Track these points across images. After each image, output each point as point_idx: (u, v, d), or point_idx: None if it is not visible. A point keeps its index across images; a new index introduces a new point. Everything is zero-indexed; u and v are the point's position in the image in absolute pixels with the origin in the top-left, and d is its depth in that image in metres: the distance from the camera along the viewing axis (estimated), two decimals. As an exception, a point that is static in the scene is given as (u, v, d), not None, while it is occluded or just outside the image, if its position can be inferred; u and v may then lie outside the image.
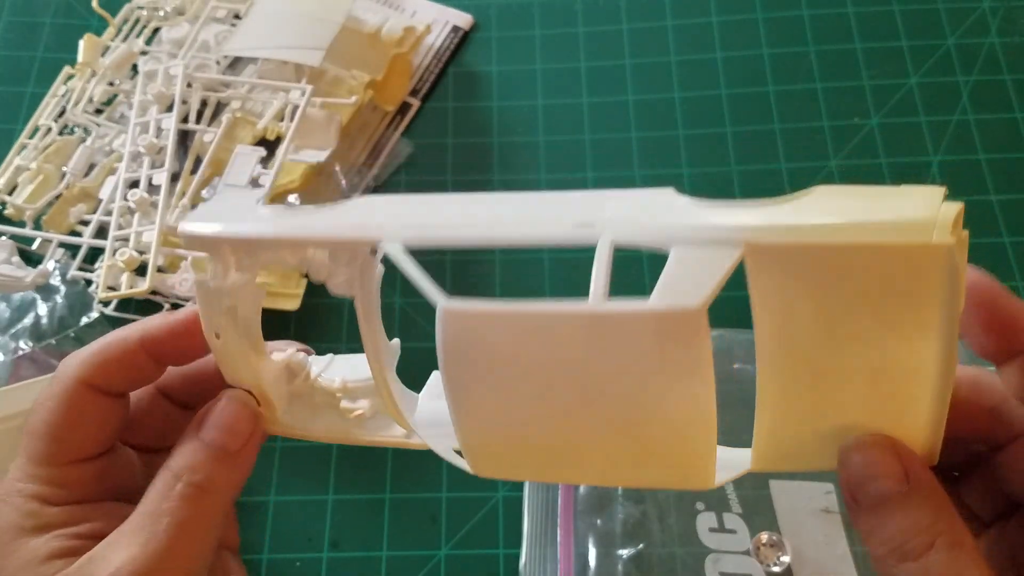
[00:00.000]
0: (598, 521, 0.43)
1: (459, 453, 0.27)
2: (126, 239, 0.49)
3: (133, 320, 0.51)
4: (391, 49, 0.58)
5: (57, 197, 0.54)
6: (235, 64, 0.58)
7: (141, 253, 0.48)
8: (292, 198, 0.53)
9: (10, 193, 0.55)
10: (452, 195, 0.25)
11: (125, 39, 0.60)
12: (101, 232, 0.52)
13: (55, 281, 0.52)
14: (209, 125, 0.54)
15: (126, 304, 0.51)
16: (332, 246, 0.25)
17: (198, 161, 0.52)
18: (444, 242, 0.23)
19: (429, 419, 0.29)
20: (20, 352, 0.50)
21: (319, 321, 0.51)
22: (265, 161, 0.51)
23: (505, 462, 0.27)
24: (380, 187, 0.56)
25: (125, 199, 0.50)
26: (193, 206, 0.51)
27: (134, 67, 0.59)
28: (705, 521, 0.43)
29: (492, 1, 0.63)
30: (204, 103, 0.55)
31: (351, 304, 0.27)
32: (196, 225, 0.25)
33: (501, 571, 0.44)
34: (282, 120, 0.53)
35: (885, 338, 0.22)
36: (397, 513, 0.46)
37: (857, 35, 0.59)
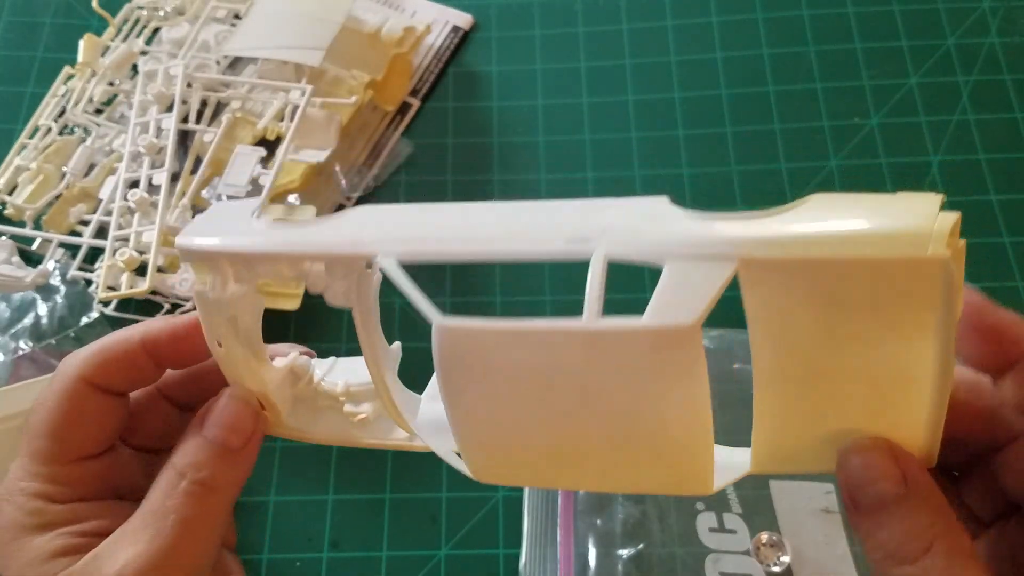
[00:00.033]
0: (598, 521, 0.43)
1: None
2: (126, 239, 0.49)
3: (133, 320, 0.51)
4: (391, 49, 0.58)
5: (57, 197, 0.54)
6: (235, 64, 0.58)
7: (141, 253, 0.48)
8: (292, 198, 0.53)
9: (10, 193, 0.55)
10: (447, 204, 0.25)
11: (125, 39, 0.60)
12: (101, 232, 0.52)
13: (55, 281, 0.52)
14: (209, 125, 0.54)
15: (126, 304, 0.52)
16: (327, 260, 0.25)
17: (198, 161, 0.52)
18: (438, 257, 0.23)
19: (431, 421, 0.29)
20: (20, 352, 0.50)
21: (319, 321, 0.51)
22: (265, 161, 0.51)
23: (504, 470, 0.28)
24: (380, 187, 0.56)
25: (125, 199, 0.50)
26: (193, 206, 0.51)
27: (134, 67, 0.59)
28: (705, 521, 0.43)
29: (492, 1, 0.63)
30: (204, 103, 0.55)
31: (351, 304, 0.27)
32: (193, 239, 0.26)
33: (501, 571, 0.44)
34: (282, 120, 0.53)
35: (881, 347, 0.22)
36: (397, 513, 0.46)
37: (857, 35, 0.59)
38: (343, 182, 0.55)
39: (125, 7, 0.61)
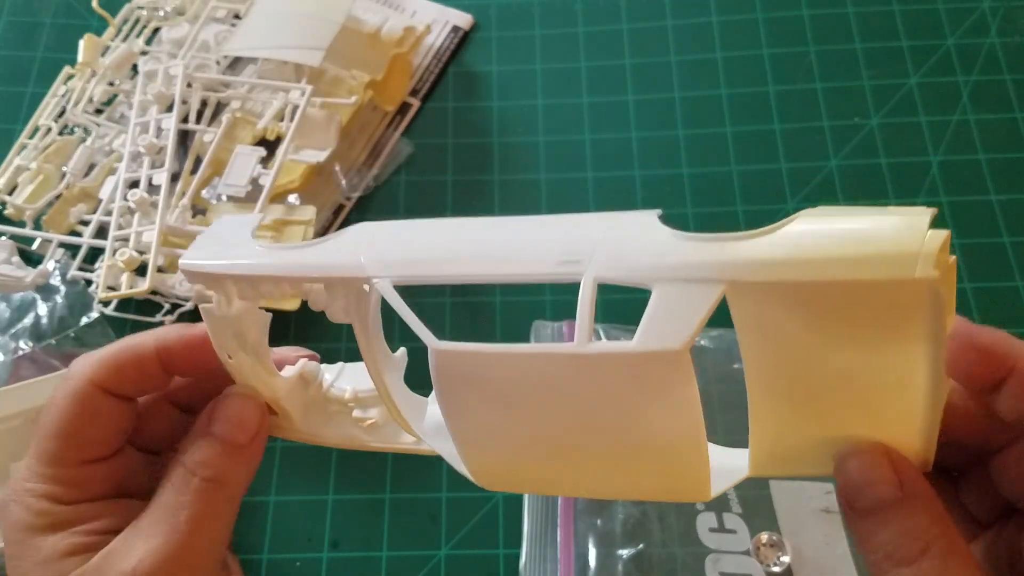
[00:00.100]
0: (598, 521, 0.43)
1: None
2: (126, 239, 0.49)
3: (133, 320, 0.51)
4: (391, 49, 0.58)
5: (57, 197, 0.54)
6: (235, 64, 0.58)
7: (141, 253, 0.48)
8: (292, 198, 0.53)
9: (10, 193, 0.55)
10: (442, 221, 0.26)
11: (125, 39, 0.60)
12: (101, 232, 0.52)
13: (55, 281, 0.52)
14: (209, 125, 0.54)
15: (126, 304, 0.52)
16: (326, 282, 0.26)
17: (198, 161, 0.52)
18: (432, 280, 0.24)
19: (437, 424, 0.29)
20: (20, 352, 0.50)
21: (319, 321, 0.51)
22: (265, 161, 0.51)
23: (505, 479, 0.28)
24: (380, 187, 0.56)
25: (125, 199, 0.50)
26: (193, 206, 0.51)
27: (134, 67, 0.59)
28: (705, 521, 0.43)
29: (492, 1, 0.63)
30: (204, 103, 0.55)
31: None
32: (197, 261, 0.26)
33: (501, 571, 0.44)
34: (282, 120, 0.53)
35: (873, 361, 0.22)
36: (397, 513, 0.46)
37: (857, 35, 0.59)
38: (343, 182, 0.55)
39: (125, 7, 0.61)
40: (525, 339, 0.49)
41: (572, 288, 0.23)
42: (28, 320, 0.51)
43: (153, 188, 0.50)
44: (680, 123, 0.57)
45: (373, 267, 0.24)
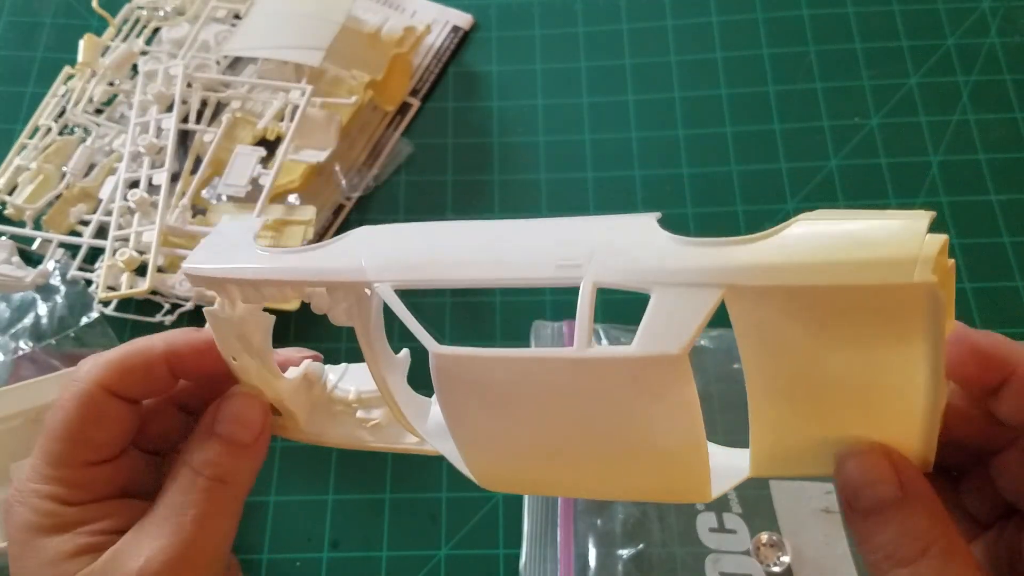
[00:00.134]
0: (598, 521, 0.43)
1: None
2: (126, 239, 0.49)
3: (133, 320, 0.51)
4: (391, 49, 0.58)
5: (57, 197, 0.54)
6: (235, 64, 0.58)
7: (141, 253, 0.48)
8: (292, 198, 0.53)
9: (10, 193, 0.55)
10: (442, 224, 0.26)
11: (125, 39, 0.60)
12: (101, 232, 0.52)
13: (55, 281, 0.52)
14: (209, 125, 0.54)
15: (126, 304, 0.52)
16: (328, 287, 0.26)
17: (198, 161, 0.52)
18: (433, 284, 0.24)
19: (440, 424, 0.30)
20: (20, 352, 0.50)
21: (319, 321, 0.51)
22: (265, 161, 0.51)
23: (506, 480, 0.29)
24: (380, 187, 0.56)
25: (125, 199, 0.50)
26: (193, 206, 0.51)
27: (134, 67, 0.59)
28: (705, 521, 0.43)
29: (492, 1, 0.63)
30: (204, 103, 0.55)
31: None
32: (200, 265, 0.27)
33: (501, 571, 0.44)
34: (282, 120, 0.53)
35: (872, 363, 0.22)
36: (397, 513, 0.46)
37: (857, 35, 0.59)
38: (343, 182, 0.55)
39: (125, 7, 0.61)
40: (525, 339, 0.49)
41: (572, 288, 0.23)
42: (28, 320, 0.51)
43: (153, 188, 0.50)
44: (680, 123, 0.57)
45: (374, 271, 0.25)
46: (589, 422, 0.24)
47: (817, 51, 0.59)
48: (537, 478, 0.28)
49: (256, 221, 0.28)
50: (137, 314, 0.51)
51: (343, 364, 0.33)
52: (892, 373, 0.22)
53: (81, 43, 0.58)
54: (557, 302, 0.51)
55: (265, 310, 0.29)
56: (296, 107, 0.52)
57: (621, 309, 0.48)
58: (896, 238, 0.20)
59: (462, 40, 0.62)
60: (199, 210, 0.52)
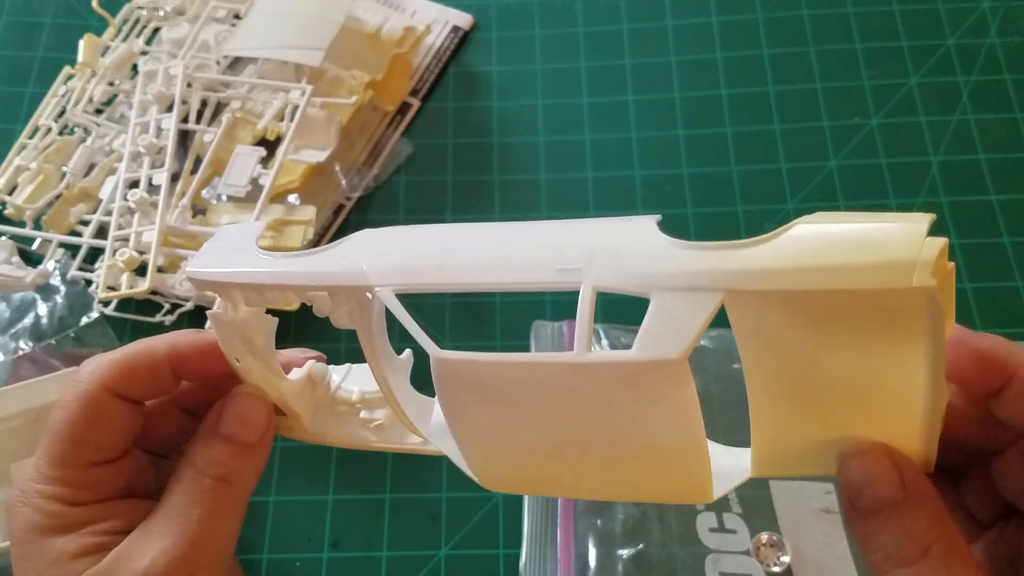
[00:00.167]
0: (598, 521, 0.43)
1: None
2: (126, 239, 0.49)
3: (133, 320, 0.51)
4: (391, 49, 0.58)
5: (57, 197, 0.54)
6: (235, 64, 0.58)
7: (141, 253, 0.48)
8: (292, 198, 0.53)
9: (10, 193, 0.55)
10: (443, 228, 0.26)
11: (125, 39, 0.60)
12: (101, 232, 0.52)
13: (55, 281, 0.52)
14: (209, 125, 0.54)
15: (126, 304, 0.52)
16: (330, 291, 0.26)
17: (198, 161, 0.52)
18: (434, 288, 0.24)
19: (443, 425, 0.30)
20: (20, 352, 0.50)
21: (319, 321, 0.51)
22: (265, 161, 0.51)
23: (508, 481, 0.29)
24: (380, 187, 0.56)
25: (125, 199, 0.50)
26: (193, 206, 0.51)
27: (134, 67, 0.59)
28: (705, 521, 0.43)
29: (492, 1, 0.63)
30: (204, 103, 0.55)
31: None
32: (204, 269, 0.27)
33: (501, 571, 0.44)
34: (282, 120, 0.53)
35: (872, 365, 0.22)
36: (397, 513, 0.46)
37: (857, 35, 0.59)
38: (343, 182, 0.55)
39: (125, 7, 0.61)
40: (525, 339, 0.49)
41: (572, 293, 0.23)
42: (28, 320, 0.51)
43: (153, 188, 0.50)
44: (680, 123, 0.57)
45: (375, 276, 0.25)
46: (590, 425, 0.24)
47: (817, 51, 0.59)
48: (539, 479, 0.29)
49: (258, 225, 0.29)
50: (137, 314, 0.51)
51: (346, 364, 0.33)
52: (892, 375, 0.22)
53: (81, 43, 0.58)
54: (557, 302, 0.51)
55: (267, 312, 0.29)
56: (296, 107, 0.52)
57: (621, 309, 0.48)
58: (895, 241, 0.20)
59: (462, 40, 0.62)
60: (199, 210, 0.52)
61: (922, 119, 0.56)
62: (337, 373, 0.32)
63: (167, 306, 0.51)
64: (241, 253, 0.27)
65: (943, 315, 0.20)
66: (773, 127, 0.57)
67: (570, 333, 0.49)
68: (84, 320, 0.51)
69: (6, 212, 0.55)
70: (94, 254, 0.52)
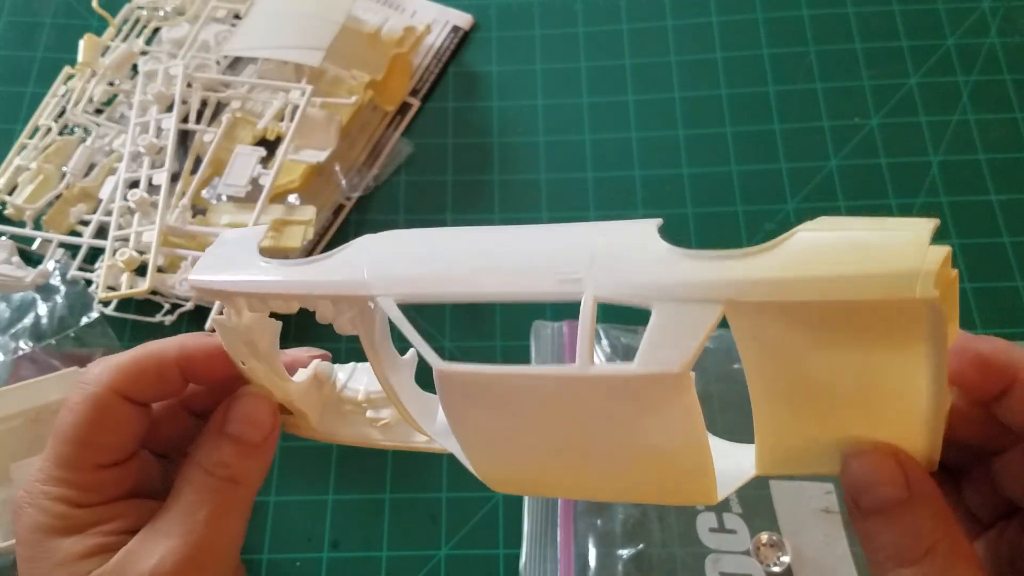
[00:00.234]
0: (598, 521, 0.43)
1: None
2: (126, 239, 0.49)
3: (133, 320, 0.51)
4: (391, 49, 0.58)
5: (57, 197, 0.54)
6: (235, 64, 0.58)
7: (141, 253, 0.48)
8: (292, 198, 0.53)
9: (10, 193, 0.55)
10: (444, 233, 0.26)
11: (125, 39, 0.60)
12: (101, 232, 0.52)
13: (55, 281, 0.52)
14: (209, 125, 0.54)
15: (126, 304, 0.52)
16: (332, 300, 0.26)
17: (198, 161, 0.52)
18: (435, 299, 0.24)
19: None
20: (20, 352, 0.50)
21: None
22: (265, 161, 0.51)
23: (514, 483, 0.29)
24: (380, 187, 0.56)
25: (125, 199, 0.50)
26: (193, 206, 0.51)
27: (134, 67, 0.59)
28: (705, 521, 0.43)
29: (492, 1, 0.63)
30: (204, 103, 0.55)
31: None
32: (206, 278, 0.27)
33: (501, 571, 0.44)
34: (282, 120, 0.53)
35: (875, 372, 0.22)
36: (397, 513, 0.46)
37: (857, 35, 0.59)
38: (343, 182, 0.55)
39: (125, 7, 0.61)
40: (525, 339, 0.49)
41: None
42: (28, 320, 0.51)
43: (153, 188, 0.50)
44: (680, 123, 0.57)
45: (376, 285, 0.25)
46: (593, 434, 0.24)
47: (817, 51, 0.59)
48: (543, 483, 0.29)
49: (259, 230, 0.29)
50: (137, 314, 0.51)
51: (351, 363, 0.33)
52: (894, 378, 0.22)
53: (81, 43, 0.58)
54: (557, 305, 0.51)
55: (270, 315, 0.29)
56: (296, 107, 0.52)
57: (622, 309, 0.48)
58: (898, 252, 0.20)
59: (462, 40, 0.62)
60: (199, 210, 0.52)
61: (922, 119, 0.56)
62: (343, 372, 0.33)
63: (167, 306, 0.51)
64: (243, 261, 0.27)
65: (945, 325, 0.20)
66: (773, 127, 0.57)
67: (570, 333, 0.49)
68: (84, 320, 0.51)
69: (6, 212, 0.55)
70: (94, 254, 0.52)
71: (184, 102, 0.53)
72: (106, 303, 0.51)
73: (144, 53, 0.58)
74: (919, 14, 0.60)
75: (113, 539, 0.26)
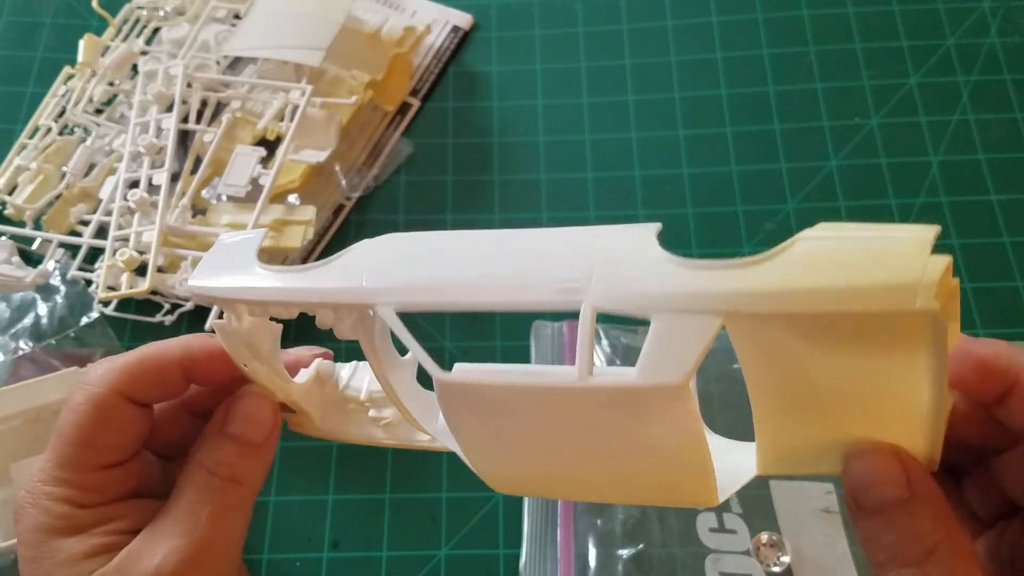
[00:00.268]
0: (598, 521, 0.43)
1: None
2: (126, 239, 0.49)
3: (133, 320, 0.51)
4: (391, 49, 0.58)
5: (57, 197, 0.54)
6: (235, 64, 0.58)
7: (141, 253, 0.48)
8: (292, 198, 0.53)
9: (10, 193, 0.55)
10: (444, 237, 0.26)
11: (125, 39, 0.60)
12: (101, 232, 0.52)
13: (55, 281, 0.52)
14: (209, 125, 0.54)
15: (126, 304, 0.52)
16: (332, 308, 0.26)
17: (198, 161, 0.52)
18: (434, 308, 0.25)
19: None
20: (20, 352, 0.50)
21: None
22: (265, 161, 0.51)
23: (515, 484, 0.29)
24: (380, 187, 0.56)
25: (125, 199, 0.50)
26: (193, 206, 0.51)
27: (134, 67, 0.59)
28: (705, 521, 0.43)
29: (492, 1, 0.63)
30: (204, 103, 0.55)
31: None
32: (207, 283, 0.27)
33: (501, 571, 0.44)
34: (282, 120, 0.53)
35: (875, 378, 0.22)
36: (397, 513, 0.46)
37: (857, 35, 0.59)
38: (343, 182, 0.55)
39: (125, 7, 0.61)
40: (525, 339, 0.49)
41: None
42: (28, 320, 0.51)
43: (153, 188, 0.50)
44: (680, 123, 0.57)
45: (376, 293, 0.25)
46: (594, 441, 0.25)
47: (817, 51, 0.59)
48: (543, 485, 0.29)
49: (258, 234, 0.29)
50: (137, 314, 0.51)
51: (353, 361, 0.33)
52: (895, 383, 0.22)
53: (81, 43, 0.58)
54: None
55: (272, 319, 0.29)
56: (296, 107, 0.52)
57: (621, 309, 0.48)
58: (899, 261, 0.20)
59: (462, 40, 0.62)
60: (199, 210, 0.52)
61: (922, 119, 0.56)
62: (345, 370, 0.33)
63: (167, 306, 0.51)
64: (242, 267, 0.27)
65: (946, 335, 0.20)
66: (773, 127, 0.57)
67: (570, 333, 0.49)
68: (84, 320, 0.51)
69: (6, 212, 0.55)
70: (94, 254, 0.52)
71: (184, 102, 0.53)
72: (106, 303, 0.51)
73: (144, 53, 0.58)
74: (919, 14, 0.60)
75: (115, 539, 0.26)
